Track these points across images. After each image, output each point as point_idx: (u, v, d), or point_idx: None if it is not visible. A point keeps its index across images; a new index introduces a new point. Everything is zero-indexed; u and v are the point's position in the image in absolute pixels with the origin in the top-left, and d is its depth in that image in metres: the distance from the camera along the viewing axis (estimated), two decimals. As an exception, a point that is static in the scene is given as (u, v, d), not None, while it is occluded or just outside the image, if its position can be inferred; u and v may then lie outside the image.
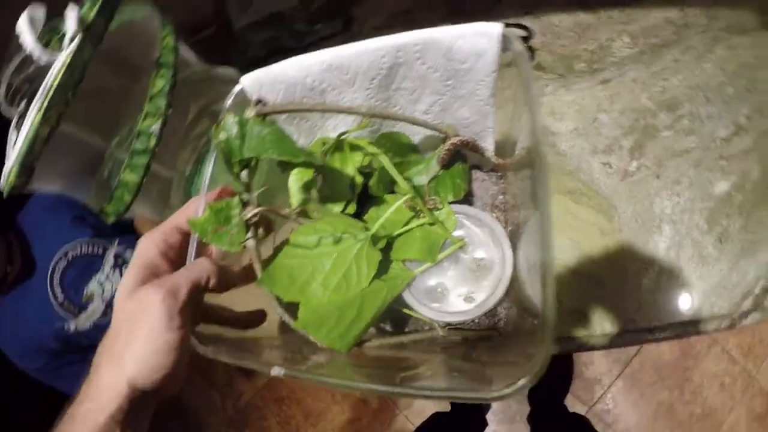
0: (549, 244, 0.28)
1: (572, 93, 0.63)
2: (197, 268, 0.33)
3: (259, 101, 0.37)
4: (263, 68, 0.41)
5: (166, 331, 0.29)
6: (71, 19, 0.43)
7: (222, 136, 0.34)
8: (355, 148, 0.43)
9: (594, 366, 1.34)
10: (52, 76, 0.42)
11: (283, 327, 0.41)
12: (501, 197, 0.55)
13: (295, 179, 0.41)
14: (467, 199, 0.54)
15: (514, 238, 0.47)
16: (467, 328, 0.50)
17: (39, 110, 0.42)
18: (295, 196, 0.41)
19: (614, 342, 0.55)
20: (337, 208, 0.45)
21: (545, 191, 0.30)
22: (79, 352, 0.85)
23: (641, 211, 0.56)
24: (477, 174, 0.57)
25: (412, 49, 0.38)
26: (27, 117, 0.43)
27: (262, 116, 0.36)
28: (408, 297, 0.46)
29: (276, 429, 1.49)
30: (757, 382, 1.24)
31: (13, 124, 0.48)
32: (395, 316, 0.51)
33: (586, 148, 0.60)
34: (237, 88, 0.42)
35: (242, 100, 0.42)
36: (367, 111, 0.39)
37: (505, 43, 0.37)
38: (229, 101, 0.42)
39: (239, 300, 0.39)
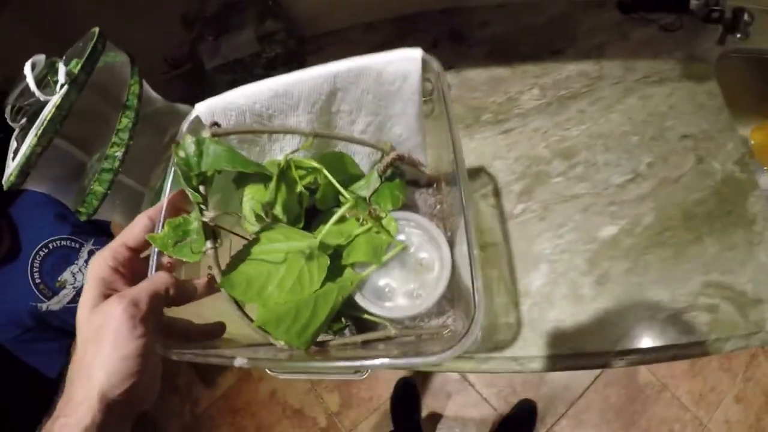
0: (473, 242, 0.34)
1: (475, 141, 0.68)
2: (156, 280, 0.35)
3: (214, 123, 0.42)
4: (216, 96, 0.45)
5: (131, 339, 0.30)
6: (61, 73, 0.57)
7: (181, 154, 0.39)
8: (299, 167, 0.47)
9: (540, 400, 1.34)
10: (46, 112, 0.56)
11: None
12: (438, 207, 0.60)
13: (248, 199, 0.45)
14: (411, 210, 0.57)
15: (452, 241, 0.51)
16: (418, 327, 0.53)
17: (35, 135, 0.55)
18: (250, 217, 0.44)
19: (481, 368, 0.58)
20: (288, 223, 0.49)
21: (467, 198, 0.36)
22: (49, 330, 0.95)
23: (522, 250, 0.60)
24: (418, 189, 0.61)
25: (347, 75, 0.44)
26: (27, 138, 0.56)
27: (216, 137, 0.42)
28: (359, 298, 0.48)
29: (228, 439, 1.51)
30: (708, 430, 1.23)
31: (14, 134, 0.62)
32: (355, 317, 0.54)
33: (477, 190, 0.65)
34: (192, 115, 0.46)
35: (197, 125, 0.47)
36: (309, 132, 0.45)
37: (425, 65, 0.43)
38: (185, 126, 0.47)
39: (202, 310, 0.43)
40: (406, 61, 0.43)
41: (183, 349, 0.38)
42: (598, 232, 0.62)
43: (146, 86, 0.73)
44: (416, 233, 0.52)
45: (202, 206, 0.39)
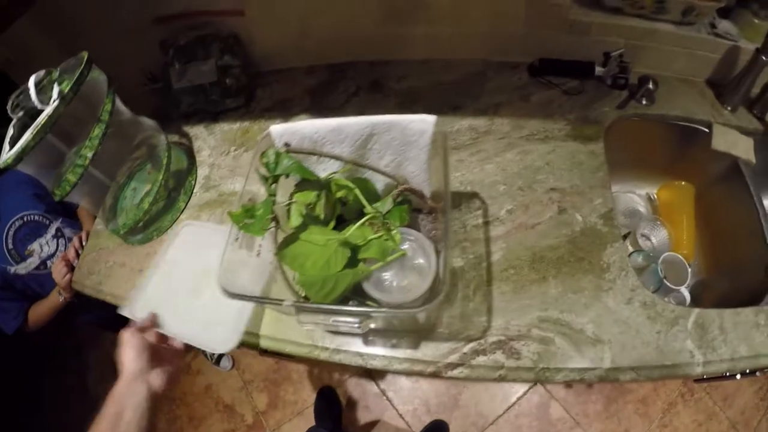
0: (449, 248, 0.51)
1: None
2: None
3: (287, 144, 0.61)
4: (287, 123, 0.62)
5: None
6: (55, 90, 0.74)
7: (264, 160, 0.59)
8: (338, 184, 0.63)
9: (453, 422, 1.38)
10: (41, 118, 0.72)
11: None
12: (434, 231, 0.72)
13: (296, 205, 0.60)
14: (413, 228, 0.68)
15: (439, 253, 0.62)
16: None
17: (32, 133, 0.71)
18: (295, 216, 0.59)
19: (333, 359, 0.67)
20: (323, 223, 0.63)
21: (448, 226, 0.54)
22: (12, 291, 1.07)
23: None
24: (420, 214, 0.73)
25: (383, 125, 0.60)
26: (24, 134, 0.72)
27: (287, 152, 0.59)
28: (366, 285, 0.61)
29: (162, 426, 1.60)
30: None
31: (12, 123, 0.77)
32: (359, 300, 0.64)
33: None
34: (266, 132, 0.64)
35: (268, 141, 0.63)
36: (349, 160, 0.62)
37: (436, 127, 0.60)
38: (260, 139, 0.65)
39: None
40: (424, 122, 0.60)
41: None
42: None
43: (118, 101, 0.87)
44: (414, 245, 0.64)
45: (273, 197, 0.59)
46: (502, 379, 0.67)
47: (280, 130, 0.62)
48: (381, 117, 0.60)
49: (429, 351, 0.66)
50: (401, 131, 0.61)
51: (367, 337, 0.69)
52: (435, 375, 0.66)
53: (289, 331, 0.71)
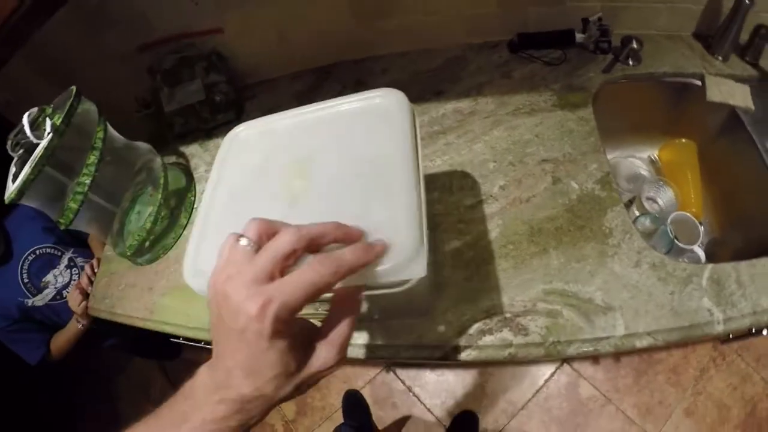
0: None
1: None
2: None
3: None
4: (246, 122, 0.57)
5: None
6: (48, 125, 0.75)
7: None
8: None
9: (482, 411, 1.35)
10: (38, 152, 0.74)
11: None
12: None
13: None
14: None
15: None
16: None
17: (30, 167, 0.73)
18: None
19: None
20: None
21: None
22: (32, 323, 1.09)
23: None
24: None
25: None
26: (24, 168, 0.74)
27: None
28: None
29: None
30: (658, 444, 1.20)
31: (14, 161, 0.78)
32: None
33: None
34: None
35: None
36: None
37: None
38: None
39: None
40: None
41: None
42: (445, 247, 0.69)
43: (110, 129, 0.88)
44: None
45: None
46: (512, 357, 0.65)
47: (240, 128, 0.56)
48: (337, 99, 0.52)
49: (434, 336, 0.64)
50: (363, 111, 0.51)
51: (370, 328, 0.67)
52: (443, 359, 0.64)
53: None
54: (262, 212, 0.37)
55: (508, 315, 0.65)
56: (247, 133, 0.56)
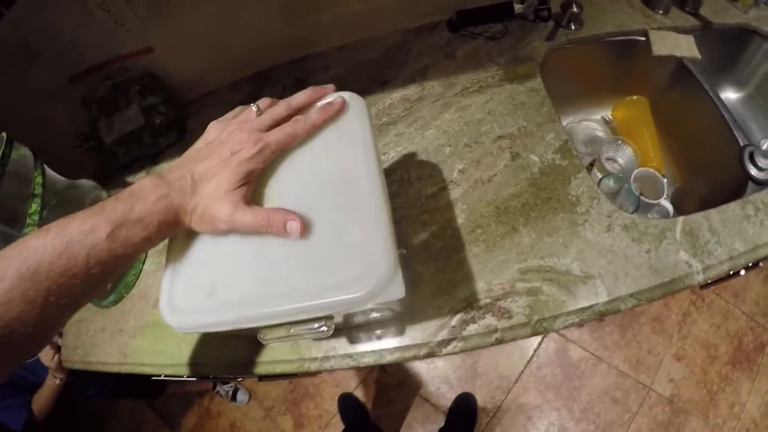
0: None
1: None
2: None
3: None
4: None
5: None
6: None
7: None
8: None
9: (477, 392, 1.32)
10: None
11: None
12: None
13: None
14: None
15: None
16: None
17: None
18: None
19: (324, 367, 0.60)
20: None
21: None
22: (8, 387, 1.01)
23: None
24: None
25: None
26: None
27: None
28: None
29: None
30: (653, 391, 1.19)
31: None
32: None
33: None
34: None
35: None
36: None
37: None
38: None
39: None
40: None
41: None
42: (412, 240, 0.64)
43: (49, 172, 0.80)
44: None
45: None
46: (499, 341, 0.61)
47: None
48: None
49: (417, 334, 0.60)
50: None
51: (350, 336, 0.62)
52: (430, 356, 0.60)
53: (273, 351, 0.64)
54: (233, 240, 0.41)
55: (488, 300, 0.61)
56: None
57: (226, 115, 0.45)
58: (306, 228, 0.39)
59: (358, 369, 1.48)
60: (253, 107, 0.44)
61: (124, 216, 0.35)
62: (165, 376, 0.82)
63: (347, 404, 1.38)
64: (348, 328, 0.63)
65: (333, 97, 0.46)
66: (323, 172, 0.42)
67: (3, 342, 0.29)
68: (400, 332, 0.61)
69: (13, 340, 0.30)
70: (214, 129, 0.43)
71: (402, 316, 0.61)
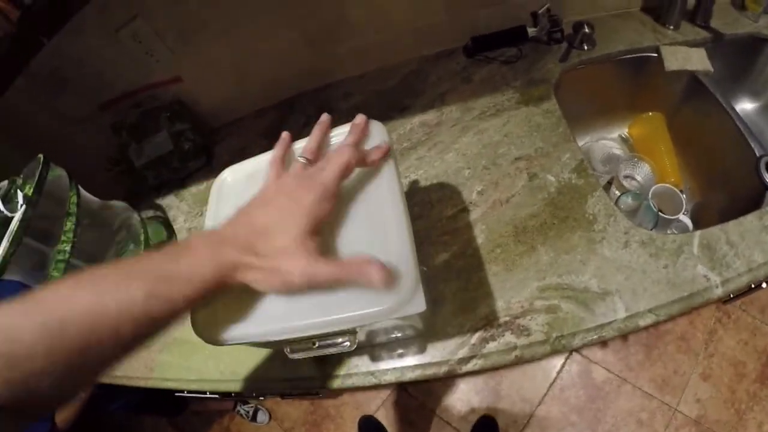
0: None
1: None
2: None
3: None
4: (234, 165, 0.57)
5: None
6: (19, 196, 0.74)
7: None
8: None
9: (500, 414, 1.32)
10: (13, 225, 0.72)
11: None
12: None
13: None
14: None
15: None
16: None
17: (8, 241, 0.70)
18: None
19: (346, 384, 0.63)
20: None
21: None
22: None
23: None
24: None
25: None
26: (1, 242, 0.71)
27: None
28: None
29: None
30: (679, 413, 1.18)
31: None
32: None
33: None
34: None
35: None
36: None
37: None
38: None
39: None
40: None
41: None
42: (434, 261, 0.68)
43: (83, 192, 0.86)
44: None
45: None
46: (518, 360, 0.63)
47: (226, 173, 0.57)
48: None
49: (437, 352, 0.63)
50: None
51: (372, 354, 0.66)
52: (450, 374, 0.62)
53: (297, 368, 0.68)
54: None
55: (507, 318, 0.64)
56: (234, 178, 0.56)
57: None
58: (392, 277, 0.37)
59: (379, 391, 1.50)
60: (301, 159, 0.42)
61: (167, 271, 0.31)
62: (188, 392, 0.86)
63: (368, 427, 1.39)
64: (371, 347, 0.66)
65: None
66: (350, 195, 0.46)
67: (23, 399, 0.26)
68: (421, 350, 0.64)
69: (34, 399, 0.27)
70: (266, 185, 0.41)
71: (423, 334, 0.65)
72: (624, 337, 1.34)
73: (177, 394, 0.87)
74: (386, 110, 0.88)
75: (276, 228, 0.35)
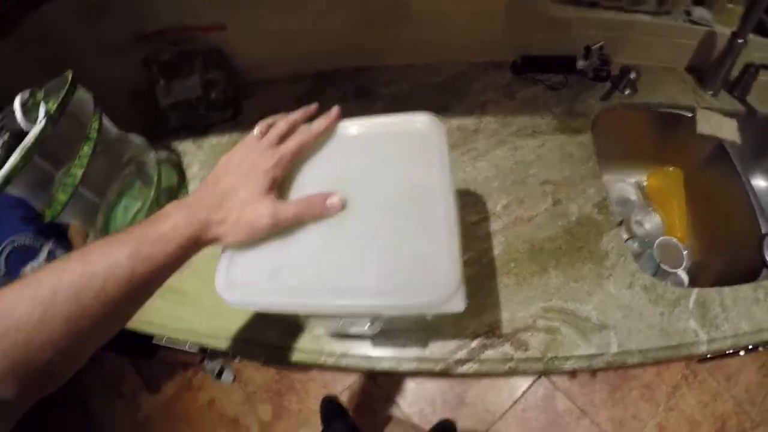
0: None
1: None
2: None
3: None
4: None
5: None
6: (41, 110, 0.74)
7: None
8: None
9: (461, 420, 1.37)
10: (28, 139, 0.72)
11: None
12: None
13: None
14: None
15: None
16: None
17: (20, 155, 0.71)
18: None
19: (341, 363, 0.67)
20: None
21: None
22: None
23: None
24: None
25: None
26: (12, 155, 0.71)
27: None
28: None
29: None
30: (632, 457, 1.26)
31: None
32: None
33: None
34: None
35: None
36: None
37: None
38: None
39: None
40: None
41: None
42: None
43: (105, 120, 0.87)
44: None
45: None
46: (511, 371, 0.68)
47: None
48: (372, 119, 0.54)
49: (437, 349, 0.67)
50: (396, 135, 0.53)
51: (374, 339, 0.69)
52: (444, 372, 0.66)
53: (291, 337, 0.71)
54: (302, 235, 0.46)
55: (509, 330, 0.68)
56: None
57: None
58: (344, 204, 0.46)
59: (348, 374, 1.53)
60: (255, 132, 0.50)
61: (147, 234, 0.37)
62: (166, 340, 0.87)
63: (330, 408, 1.43)
64: (374, 334, 0.69)
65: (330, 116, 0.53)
66: (400, 183, 0.48)
67: (29, 367, 0.29)
68: (422, 344, 0.68)
69: (37, 365, 0.30)
70: (226, 157, 0.48)
71: (427, 329, 0.69)
72: (593, 372, 1.41)
73: (154, 341, 0.88)
74: (426, 105, 0.90)
75: (239, 186, 0.43)
